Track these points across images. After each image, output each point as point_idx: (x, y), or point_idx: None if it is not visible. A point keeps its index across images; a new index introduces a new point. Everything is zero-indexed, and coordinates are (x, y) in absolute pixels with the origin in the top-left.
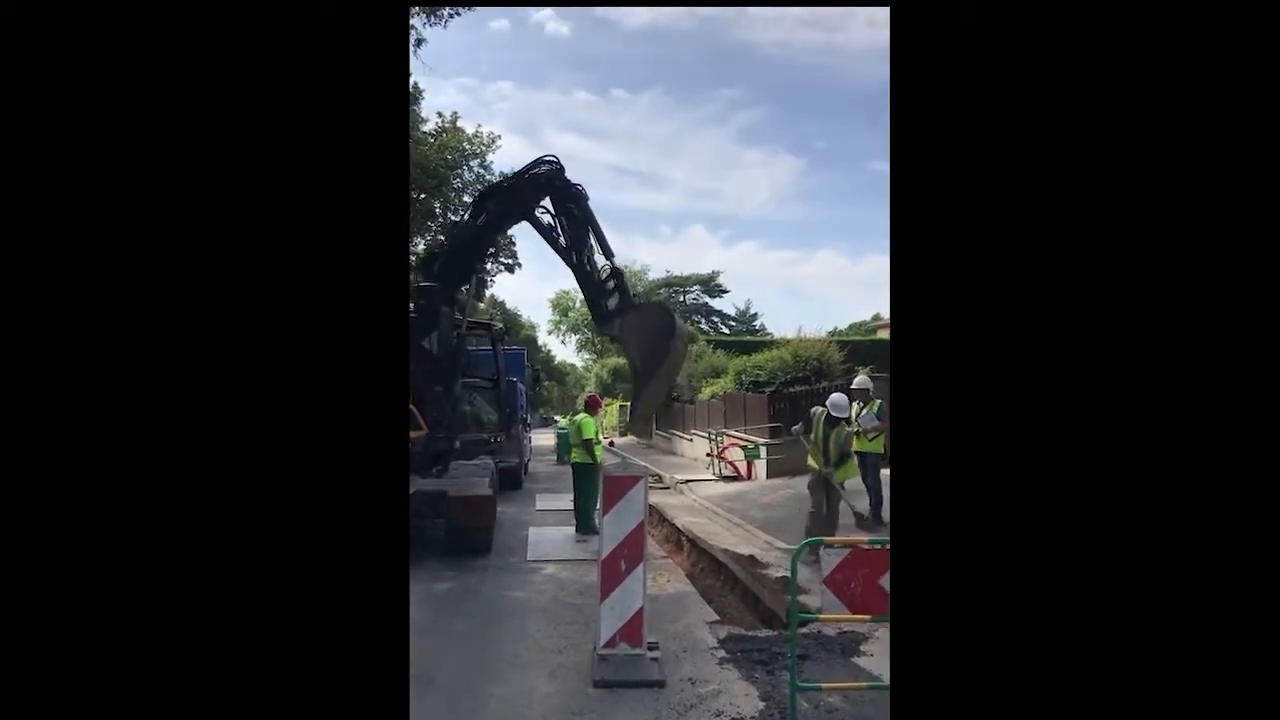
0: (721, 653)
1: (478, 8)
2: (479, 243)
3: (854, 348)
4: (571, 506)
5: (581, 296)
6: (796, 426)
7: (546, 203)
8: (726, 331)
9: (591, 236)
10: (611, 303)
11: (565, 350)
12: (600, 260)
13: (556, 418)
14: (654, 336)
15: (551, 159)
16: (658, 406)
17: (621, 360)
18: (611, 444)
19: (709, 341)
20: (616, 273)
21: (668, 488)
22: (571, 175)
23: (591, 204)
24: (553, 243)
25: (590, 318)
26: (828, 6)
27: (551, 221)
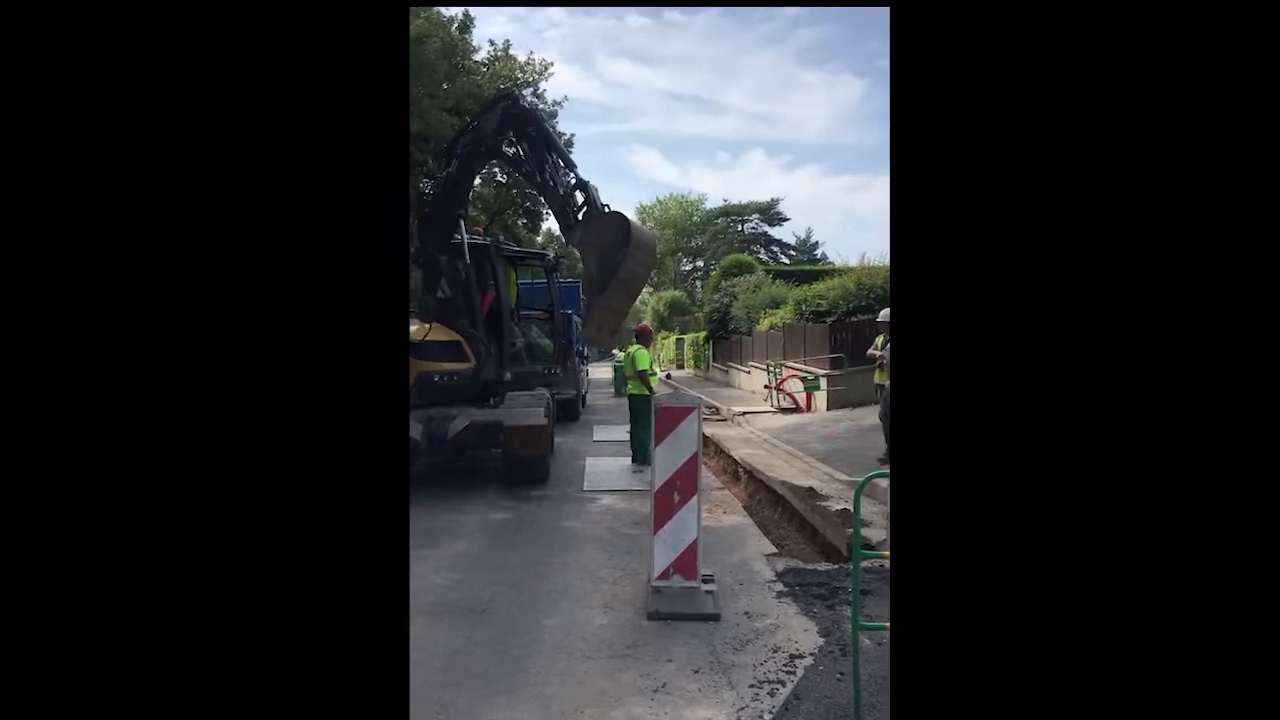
0: (780, 586)
1: None
2: (456, 188)
3: None
4: (628, 438)
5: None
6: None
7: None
8: (786, 261)
9: (553, 153)
10: (581, 216)
11: None
12: (571, 180)
13: (615, 350)
14: (613, 246)
15: (506, 92)
16: (619, 320)
17: (678, 293)
18: (668, 376)
19: (768, 271)
20: (582, 184)
21: (724, 420)
22: (626, 103)
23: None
24: (520, 170)
25: None
26: (827, 6)
27: (517, 151)
